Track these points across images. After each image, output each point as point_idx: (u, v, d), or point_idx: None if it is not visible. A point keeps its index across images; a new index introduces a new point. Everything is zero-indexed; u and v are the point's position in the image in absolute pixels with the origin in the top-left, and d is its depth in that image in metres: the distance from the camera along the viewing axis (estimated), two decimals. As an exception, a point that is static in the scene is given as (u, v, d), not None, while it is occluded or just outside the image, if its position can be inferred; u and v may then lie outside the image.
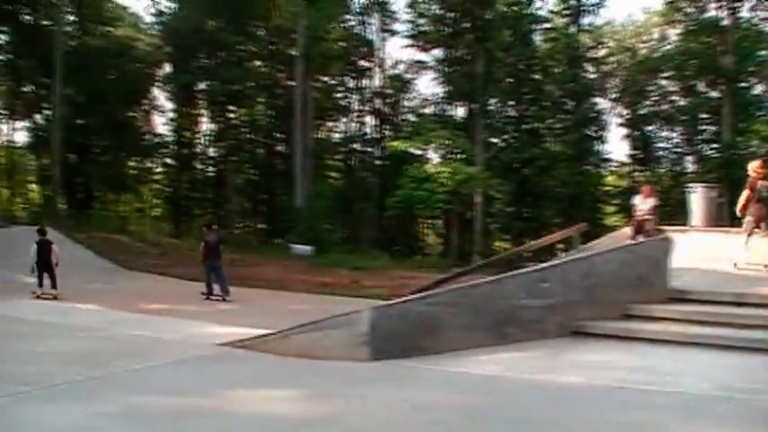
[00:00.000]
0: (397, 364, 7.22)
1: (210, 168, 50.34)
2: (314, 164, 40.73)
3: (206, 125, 50.02)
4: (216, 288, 18.79)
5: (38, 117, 46.87)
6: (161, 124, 50.96)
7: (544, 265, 9.88)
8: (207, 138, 49.96)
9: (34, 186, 52.09)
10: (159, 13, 47.25)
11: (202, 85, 46.18)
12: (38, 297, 16.92)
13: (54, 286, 17.59)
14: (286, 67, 44.56)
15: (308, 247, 32.33)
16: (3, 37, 46.30)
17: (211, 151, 50.18)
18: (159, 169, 51.72)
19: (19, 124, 50.11)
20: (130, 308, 12.87)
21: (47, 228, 20.61)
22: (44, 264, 17.88)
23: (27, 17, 44.43)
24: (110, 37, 46.40)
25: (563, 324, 8.72)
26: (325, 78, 46.75)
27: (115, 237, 31.41)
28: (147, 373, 6.89)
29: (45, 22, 43.56)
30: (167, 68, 48.23)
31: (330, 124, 51.06)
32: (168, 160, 50.08)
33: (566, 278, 8.99)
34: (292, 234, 35.42)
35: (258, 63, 47.01)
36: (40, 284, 17.57)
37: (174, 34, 44.30)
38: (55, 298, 16.79)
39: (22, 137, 50.39)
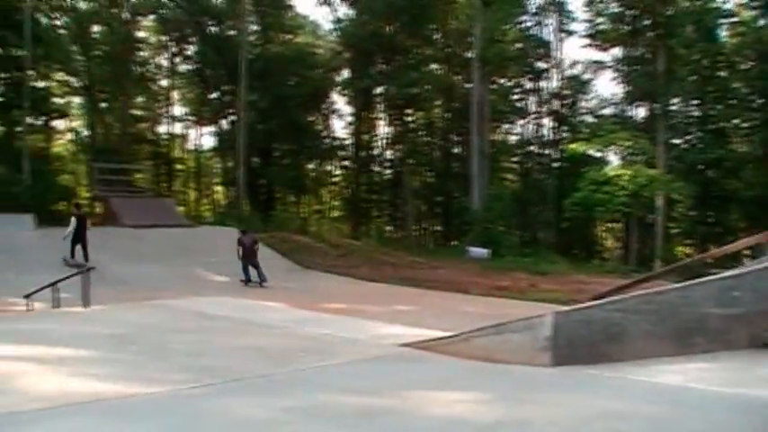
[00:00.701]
0: (579, 371, 7.05)
1: (388, 171, 51.16)
2: (490, 166, 40.57)
3: (383, 128, 50.96)
4: (253, 274, 22.74)
5: (223, 122, 49.32)
6: (340, 128, 52.39)
7: (734, 272, 9.39)
8: (384, 141, 50.83)
9: (219, 188, 54.71)
10: (338, 20, 48.56)
11: (380, 89, 47.02)
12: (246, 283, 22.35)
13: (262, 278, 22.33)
14: (462, 70, 44.69)
15: (484, 250, 32.24)
16: (192, 48, 49.06)
17: (389, 154, 51.01)
18: (338, 172, 53.06)
19: (206, 129, 52.94)
20: (313, 307, 13.24)
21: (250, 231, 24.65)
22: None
23: (213, 29, 46.81)
24: (291, 44, 48.13)
25: (754, 335, 8.26)
26: (502, 80, 46.52)
27: (296, 237, 32.40)
28: (330, 371, 7.04)
29: (230, 33, 45.71)
30: (346, 73, 49.49)
31: (506, 126, 50.75)
32: (347, 163, 51.34)
33: (758, 287, 8.51)
34: (469, 237, 35.44)
35: (435, 66, 47.34)
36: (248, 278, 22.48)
37: (353, 40, 45.34)
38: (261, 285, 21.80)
39: (208, 141, 53.20)
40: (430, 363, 7.53)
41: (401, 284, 22.41)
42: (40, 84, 41.38)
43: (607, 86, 69.17)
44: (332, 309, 14.35)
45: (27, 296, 16.09)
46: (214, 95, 50.03)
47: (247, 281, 22.76)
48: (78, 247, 23.20)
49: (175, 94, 52.64)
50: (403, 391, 6.23)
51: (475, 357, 7.55)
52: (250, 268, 22.81)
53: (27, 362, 7.25)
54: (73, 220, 23.36)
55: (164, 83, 51.66)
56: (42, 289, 15.81)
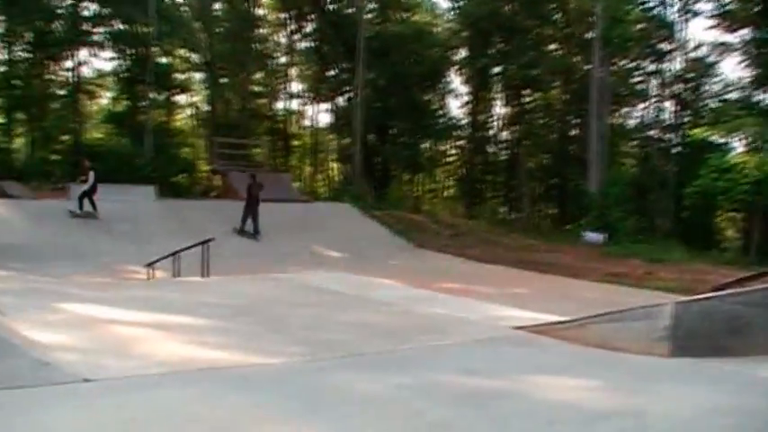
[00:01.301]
0: (699, 363, 6.86)
1: (503, 152, 50.69)
2: (608, 150, 39.69)
3: (500, 109, 50.45)
4: (249, 226, 24.61)
5: (340, 99, 49.72)
6: (456, 107, 52.14)
7: None
8: (500, 121, 50.37)
9: (335, 165, 55.31)
10: (457, -1, 48.12)
11: (497, 69, 46.56)
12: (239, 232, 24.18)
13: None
14: (582, 51, 43.80)
15: (600, 235, 31.66)
16: (310, 25, 49.65)
17: (504, 135, 50.50)
18: (453, 151, 52.86)
19: (322, 106, 53.54)
20: (426, 286, 13.30)
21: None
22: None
23: (331, 6, 47.26)
24: (409, 23, 48.05)
25: None
26: (623, 62, 45.33)
27: (410, 216, 32.54)
28: (444, 351, 7.08)
29: (348, 11, 46.04)
30: (463, 53, 49.14)
31: (626, 109, 49.44)
32: (462, 143, 51.06)
33: None
34: (584, 221, 34.87)
35: (554, 47, 46.55)
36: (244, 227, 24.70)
37: (471, 19, 44.95)
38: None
39: (324, 118, 53.81)
40: (544, 347, 7.47)
41: (514, 267, 22.27)
42: (164, 60, 42.77)
43: (734, 70, 66.20)
44: (445, 288, 14.36)
45: (149, 265, 16.76)
46: (331, 73, 50.50)
47: (242, 230, 24.62)
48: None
49: (293, 71, 53.33)
50: (517, 375, 6.22)
51: (590, 344, 7.45)
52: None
53: (148, 328, 7.57)
54: (91, 174, 24.45)
55: (282, 60, 52.38)
56: (163, 258, 16.41)
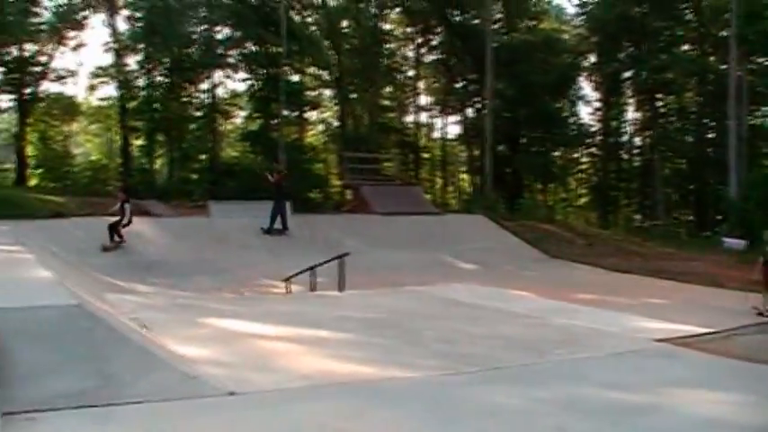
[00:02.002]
0: None
1: (637, 158, 49.50)
2: (748, 152, 38.11)
3: (632, 114, 49.33)
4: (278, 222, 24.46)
5: (469, 111, 49.69)
6: (587, 114, 51.24)
7: None
8: (633, 127, 49.22)
9: (465, 176, 55.25)
10: (583, 4, 47.24)
11: (628, 74, 45.52)
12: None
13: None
14: (717, 50, 42.31)
15: (741, 241, 30.35)
16: (437, 38, 49.88)
17: (637, 140, 49.33)
18: (585, 159, 51.96)
19: (451, 118, 53.64)
20: (561, 297, 13.08)
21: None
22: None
23: (458, 18, 47.33)
24: (536, 31, 47.64)
25: None
26: (761, 59, 43.48)
27: (543, 226, 32.09)
28: (583, 364, 6.95)
29: (475, 21, 46.00)
30: (592, 59, 48.29)
31: (766, 109, 47.40)
32: (594, 150, 50.13)
33: None
34: (724, 227, 33.58)
35: (686, 48, 45.11)
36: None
37: (599, 23, 44.14)
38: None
39: (453, 129, 53.90)
40: (688, 360, 7.24)
41: (651, 276, 21.62)
42: (294, 78, 43.76)
43: None
44: (581, 299, 14.11)
45: (286, 279, 17.10)
46: (459, 84, 50.58)
47: (270, 230, 24.44)
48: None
49: (421, 84, 53.69)
50: (661, 389, 6.05)
51: (736, 356, 7.19)
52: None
53: (288, 342, 7.74)
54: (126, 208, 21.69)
55: (410, 73, 52.79)
56: (301, 273, 16.73)
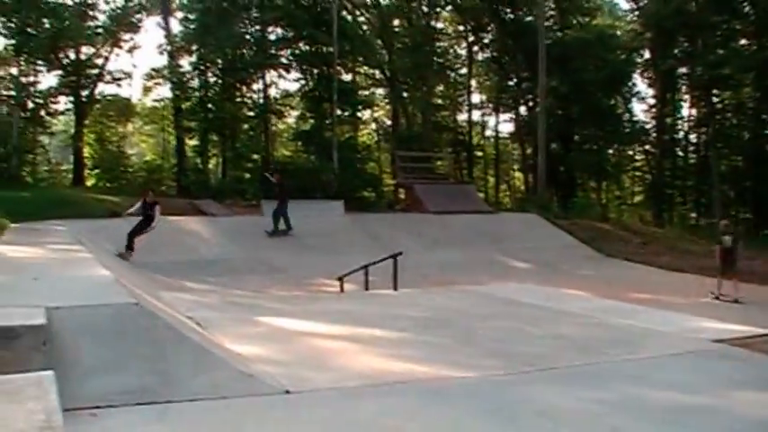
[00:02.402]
0: None
1: (692, 155, 48.76)
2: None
3: (687, 110, 48.57)
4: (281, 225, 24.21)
5: (522, 109, 49.39)
6: (641, 111, 50.63)
7: None
8: (688, 123, 48.46)
9: (518, 174, 54.98)
10: (637, -1, 46.73)
11: (683, 70, 44.82)
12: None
13: None
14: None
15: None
16: (489, 36, 49.67)
17: (693, 137, 48.58)
18: (639, 156, 51.33)
19: (504, 116, 53.42)
20: (616, 296, 12.95)
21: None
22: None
23: (510, 15, 47.08)
24: (589, 27, 47.20)
25: None
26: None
27: (597, 224, 31.84)
28: (640, 364, 6.86)
29: (527, 19, 45.73)
30: (647, 55, 47.65)
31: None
32: (648, 147, 49.46)
33: None
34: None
35: (744, 42, 44.21)
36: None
37: (654, 19, 43.50)
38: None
39: (506, 128, 53.70)
40: (749, 361, 7.11)
41: (708, 276, 21.30)
42: (347, 77, 43.91)
43: None
44: (636, 299, 13.95)
45: (340, 278, 17.18)
46: (512, 82, 50.35)
47: (275, 232, 24.06)
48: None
49: (474, 82, 53.56)
50: (719, 390, 5.97)
51: (799, 358, 7.06)
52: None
53: (343, 340, 7.77)
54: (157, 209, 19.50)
55: (462, 71, 52.70)
56: (354, 271, 16.79)
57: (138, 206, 19.69)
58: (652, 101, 49.02)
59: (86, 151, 40.99)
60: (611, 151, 49.33)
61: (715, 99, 44.86)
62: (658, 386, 6.00)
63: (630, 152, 51.17)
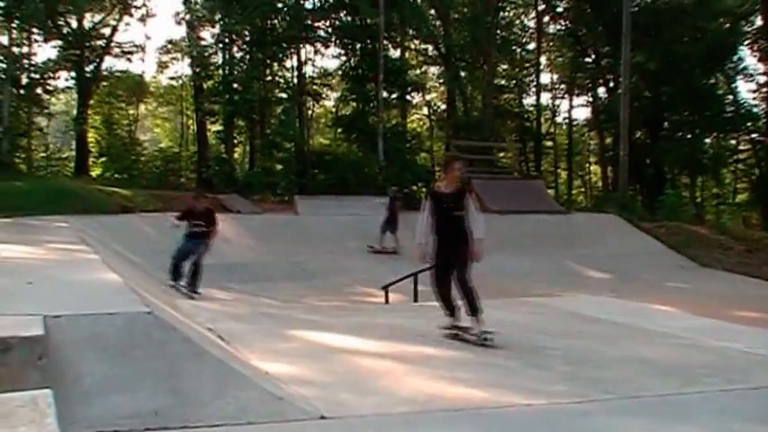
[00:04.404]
0: None
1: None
2: None
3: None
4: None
5: (601, 90, 48.90)
6: (748, 91, 49.79)
7: None
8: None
9: (595, 168, 54.51)
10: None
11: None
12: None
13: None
14: None
15: None
16: (563, 4, 49.07)
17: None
18: (744, 147, 50.49)
19: (579, 100, 52.87)
20: (715, 314, 12.79)
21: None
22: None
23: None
24: (686, -11, 46.54)
25: None
26: None
27: (690, 228, 31.48)
28: (742, 396, 6.76)
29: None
30: (758, 22, 46.70)
31: None
32: (756, 136, 48.60)
33: None
34: None
35: None
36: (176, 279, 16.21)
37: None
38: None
39: (582, 113, 53.17)
40: None
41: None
42: (395, 53, 43.83)
43: None
44: (739, 317, 13.77)
45: (385, 287, 17.19)
46: (590, 59, 49.87)
47: (175, 283, 16.26)
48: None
49: (543, 60, 53.22)
50: None
51: None
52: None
53: (389, 359, 7.78)
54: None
55: (530, 47, 52.34)
56: (402, 279, 16.79)
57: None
58: (762, 78, 48.11)
59: (91, 136, 41.44)
60: (708, 140, 48.70)
61: None
62: (760, 422, 5.93)
63: (733, 141, 50.43)
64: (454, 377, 7.06)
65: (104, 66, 41.64)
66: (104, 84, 41.98)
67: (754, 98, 48.75)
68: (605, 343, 9.01)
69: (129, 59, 42.57)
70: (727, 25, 45.86)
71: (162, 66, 45.42)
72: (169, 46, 43.49)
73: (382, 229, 24.72)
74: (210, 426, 5.15)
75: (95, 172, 39.45)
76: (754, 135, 48.56)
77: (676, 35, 42.51)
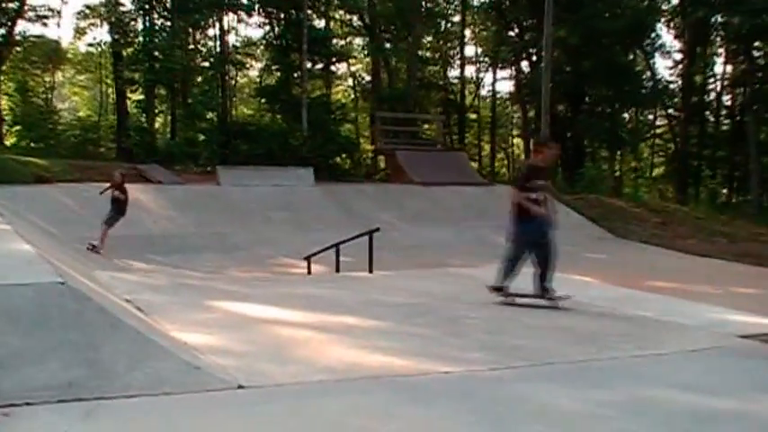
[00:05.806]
0: None
1: (725, 121, 48.86)
2: None
3: (721, 67, 48.59)
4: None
5: (524, 64, 49.19)
6: (665, 68, 50.61)
7: None
8: (722, 83, 48.50)
9: (517, 141, 54.96)
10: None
11: (719, 18, 44.70)
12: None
13: None
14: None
15: None
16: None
17: (727, 99, 48.67)
18: (661, 122, 51.38)
19: (503, 73, 53.13)
20: (631, 284, 13.02)
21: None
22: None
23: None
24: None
25: None
26: None
27: (609, 200, 31.97)
28: (655, 362, 6.89)
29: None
30: (675, 0, 47.48)
31: None
32: (672, 111, 49.49)
33: None
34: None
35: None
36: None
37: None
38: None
39: (505, 86, 53.46)
40: (781, 360, 7.22)
41: (739, 261, 21.47)
42: (319, 23, 43.57)
43: None
44: (653, 287, 13.99)
45: (307, 258, 17.19)
46: (513, 33, 50.12)
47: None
48: None
49: (468, 33, 53.31)
50: (744, 393, 5.99)
51: None
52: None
53: (309, 329, 7.77)
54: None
55: (455, 19, 52.40)
56: (324, 250, 16.79)
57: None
58: (679, 56, 49.00)
59: (4, 103, 40.47)
60: (627, 115, 49.38)
61: (756, 53, 44.52)
62: (674, 387, 6.01)
63: (651, 116, 51.24)
64: (374, 346, 7.06)
65: (17, 30, 40.54)
66: (18, 49, 40.90)
67: (671, 74, 49.75)
68: (524, 312, 9.13)
69: (44, 24, 41.65)
70: (646, 2, 46.39)
71: (80, 32, 44.50)
72: (87, 11, 42.52)
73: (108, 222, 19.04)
74: (126, 396, 5.06)
75: (9, 141, 38.59)
76: (670, 110, 49.50)
77: (597, 11, 42.85)
